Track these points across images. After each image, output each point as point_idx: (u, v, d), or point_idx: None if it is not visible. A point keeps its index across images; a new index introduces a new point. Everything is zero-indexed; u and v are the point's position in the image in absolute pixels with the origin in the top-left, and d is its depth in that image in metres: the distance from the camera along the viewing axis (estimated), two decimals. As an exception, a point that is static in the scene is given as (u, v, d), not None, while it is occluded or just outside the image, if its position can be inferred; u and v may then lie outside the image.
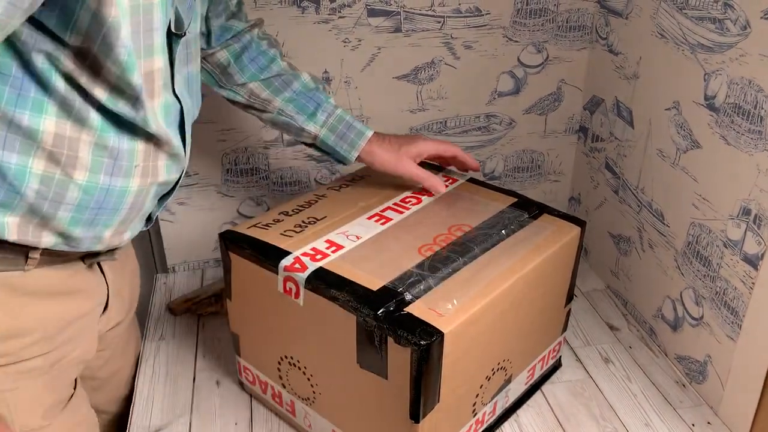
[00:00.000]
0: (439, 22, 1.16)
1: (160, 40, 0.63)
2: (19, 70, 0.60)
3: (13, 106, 0.60)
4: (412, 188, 0.98)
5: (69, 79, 0.61)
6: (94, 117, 0.64)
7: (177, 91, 0.71)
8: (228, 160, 1.22)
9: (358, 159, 0.96)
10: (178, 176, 0.78)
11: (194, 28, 0.73)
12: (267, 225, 0.87)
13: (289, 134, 0.97)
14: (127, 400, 1.01)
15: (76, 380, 0.85)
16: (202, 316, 1.16)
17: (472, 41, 1.19)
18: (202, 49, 0.90)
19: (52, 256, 0.71)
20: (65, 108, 0.63)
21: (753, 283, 0.86)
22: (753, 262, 0.86)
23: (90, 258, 0.78)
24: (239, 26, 0.93)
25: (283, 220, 0.89)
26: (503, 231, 0.87)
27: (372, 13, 1.14)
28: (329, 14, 1.12)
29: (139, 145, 0.69)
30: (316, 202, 0.94)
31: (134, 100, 0.65)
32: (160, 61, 0.65)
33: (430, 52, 1.19)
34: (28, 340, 0.73)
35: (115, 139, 0.67)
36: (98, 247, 0.75)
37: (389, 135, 0.97)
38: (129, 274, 0.93)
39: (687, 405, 0.97)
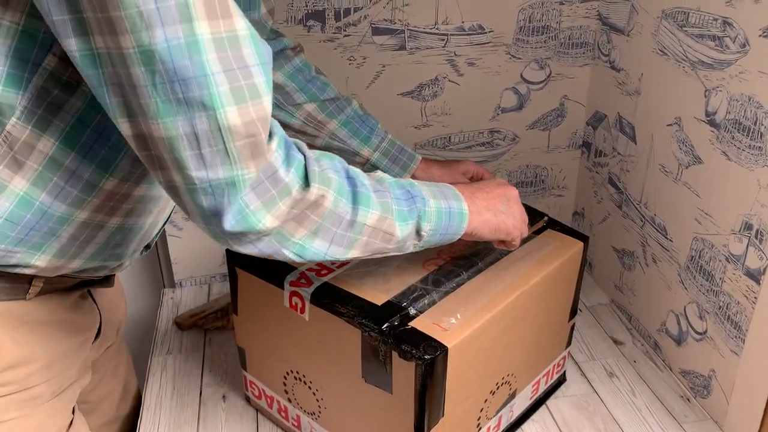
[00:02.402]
0: (443, 40, 1.18)
1: None
2: (99, 125, 0.60)
3: (82, 156, 0.60)
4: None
5: None
6: None
7: None
8: (235, 176, 1.23)
9: None
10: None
11: None
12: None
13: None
14: (119, 423, 1.01)
15: (74, 405, 0.85)
16: (208, 331, 1.17)
17: (475, 58, 1.21)
18: None
19: (51, 285, 0.71)
20: (134, 168, 0.63)
21: (755, 298, 0.86)
22: (755, 276, 0.86)
23: (84, 286, 0.78)
24: (289, 43, 0.94)
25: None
26: None
27: (376, 31, 1.15)
28: (334, 33, 1.14)
29: None
30: (322, 217, 0.95)
31: None
32: None
33: (434, 69, 1.20)
34: (31, 368, 0.73)
35: (159, 188, 0.68)
36: (100, 274, 0.76)
37: (441, 161, 1.02)
38: (116, 297, 0.94)
39: (692, 419, 0.97)
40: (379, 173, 0.69)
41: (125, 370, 1.03)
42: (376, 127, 0.97)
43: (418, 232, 0.69)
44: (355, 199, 0.63)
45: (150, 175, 0.65)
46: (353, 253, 0.65)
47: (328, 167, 0.61)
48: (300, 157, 0.59)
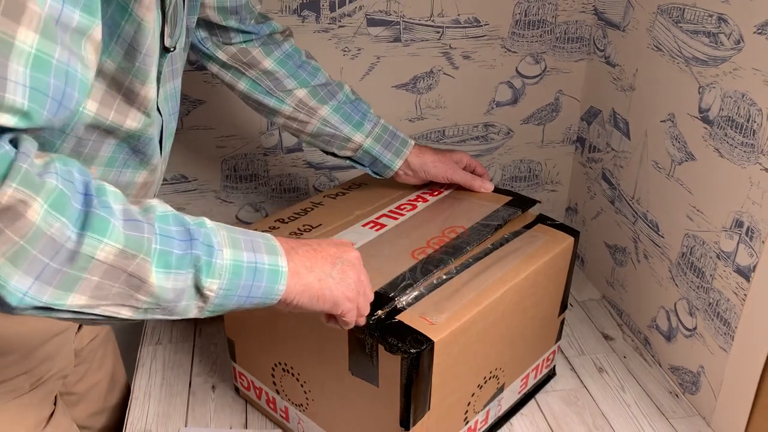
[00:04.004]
0: (438, 32, 1.17)
1: (156, 55, 0.62)
2: None
3: None
4: (408, 196, 0.99)
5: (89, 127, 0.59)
6: (104, 154, 0.63)
7: (159, 106, 0.69)
8: (227, 167, 1.23)
9: (401, 167, 0.97)
10: (154, 194, 0.78)
11: (181, 42, 0.72)
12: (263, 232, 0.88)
13: (329, 148, 0.96)
14: (107, 414, 1.01)
15: (56, 396, 0.85)
16: (198, 322, 1.17)
17: (470, 51, 1.20)
18: (228, 43, 0.89)
19: None
20: (79, 148, 0.61)
21: (745, 295, 0.86)
22: (745, 273, 0.86)
23: None
24: (277, 27, 0.92)
25: (279, 227, 0.90)
26: (496, 228, 0.89)
27: (372, 22, 1.15)
28: (329, 23, 1.13)
29: (139, 178, 0.68)
30: (313, 209, 0.95)
31: (153, 120, 0.64)
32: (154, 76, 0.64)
33: (429, 61, 1.20)
34: (8, 360, 0.73)
35: (117, 172, 0.66)
36: None
37: (435, 148, 1.00)
38: None
39: (680, 415, 0.98)
40: (153, 201, 0.53)
41: (112, 360, 1.02)
42: (368, 113, 0.95)
43: (199, 290, 0.53)
44: (85, 221, 0.46)
45: (98, 154, 0.62)
46: (77, 300, 0.47)
47: (55, 171, 0.46)
48: (8, 149, 0.44)
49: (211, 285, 0.53)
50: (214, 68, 0.92)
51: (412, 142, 0.97)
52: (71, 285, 0.47)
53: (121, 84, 0.58)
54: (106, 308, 0.50)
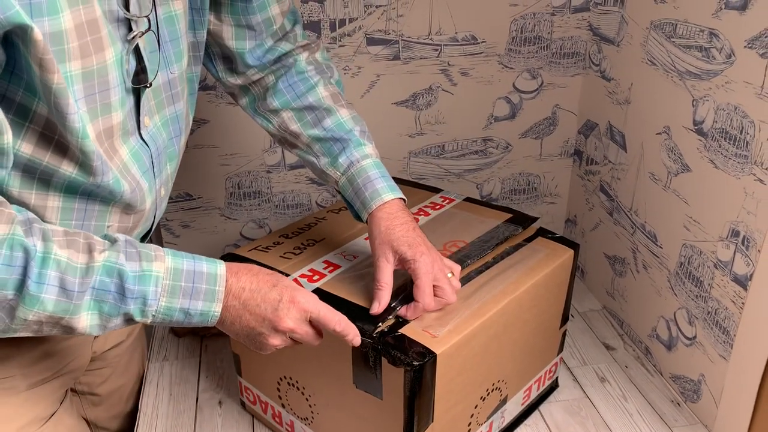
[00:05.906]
0: (437, 50, 1.20)
1: (118, 96, 0.62)
2: None
3: None
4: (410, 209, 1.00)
5: (26, 168, 0.61)
6: (56, 189, 0.64)
7: (145, 136, 0.69)
8: (231, 184, 1.25)
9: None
10: (152, 220, 0.78)
11: (181, 65, 0.71)
12: (267, 248, 0.90)
13: (317, 176, 0.88)
14: (129, 417, 1.02)
15: (67, 393, 0.85)
16: (204, 338, 1.18)
17: (468, 68, 1.22)
18: (239, 73, 0.86)
19: None
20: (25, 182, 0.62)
21: (743, 303, 0.87)
22: (742, 282, 0.87)
23: None
24: (285, 48, 0.85)
25: (282, 242, 0.91)
26: (497, 244, 0.90)
27: (371, 41, 1.17)
28: (330, 43, 1.16)
29: (113, 208, 0.69)
30: (316, 224, 0.97)
31: (97, 166, 0.63)
32: (119, 116, 0.63)
33: (427, 78, 1.22)
34: (8, 360, 0.74)
35: (81, 201, 0.66)
36: None
37: (410, 222, 0.79)
38: None
39: (682, 424, 0.98)
40: (109, 255, 0.61)
41: (138, 367, 1.04)
42: (351, 148, 0.83)
43: (131, 322, 0.64)
44: (21, 291, 0.57)
45: (47, 198, 0.64)
46: (22, 334, 0.61)
47: (4, 246, 0.55)
48: None
49: (143, 320, 0.64)
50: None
51: (387, 198, 0.79)
52: (15, 331, 0.60)
53: (54, 128, 0.59)
54: (50, 332, 0.62)
